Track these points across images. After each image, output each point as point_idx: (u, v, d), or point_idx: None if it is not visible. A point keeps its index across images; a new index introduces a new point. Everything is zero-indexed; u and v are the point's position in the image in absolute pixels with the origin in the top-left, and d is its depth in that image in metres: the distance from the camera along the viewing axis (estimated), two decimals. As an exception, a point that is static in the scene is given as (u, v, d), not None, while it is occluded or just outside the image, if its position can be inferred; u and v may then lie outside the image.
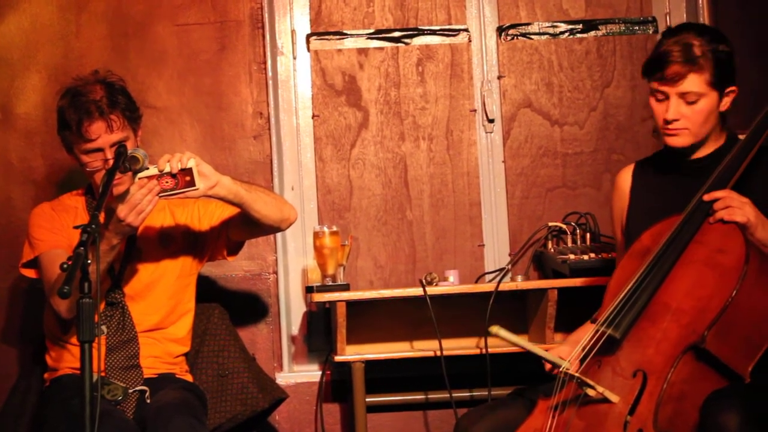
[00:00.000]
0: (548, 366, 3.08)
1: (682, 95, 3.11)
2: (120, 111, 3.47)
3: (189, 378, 3.73)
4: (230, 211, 3.65)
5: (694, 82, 3.10)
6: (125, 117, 3.49)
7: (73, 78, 3.60)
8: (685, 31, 3.15)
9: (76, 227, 3.17)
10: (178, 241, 3.71)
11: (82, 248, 2.86)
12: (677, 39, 3.12)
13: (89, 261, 2.86)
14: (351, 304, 3.94)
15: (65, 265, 2.82)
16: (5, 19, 4.31)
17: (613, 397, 2.87)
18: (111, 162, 3.45)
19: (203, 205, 3.73)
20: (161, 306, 3.67)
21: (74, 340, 3.50)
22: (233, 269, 4.30)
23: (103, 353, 3.50)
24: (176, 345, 3.71)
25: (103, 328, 3.55)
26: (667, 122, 3.16)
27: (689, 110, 3.13)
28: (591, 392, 2.88)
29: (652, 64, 3.16)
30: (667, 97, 3.14)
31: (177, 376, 3.69)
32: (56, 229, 3.61)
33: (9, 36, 4.31)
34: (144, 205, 3.29)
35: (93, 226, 2.94)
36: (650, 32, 4.50)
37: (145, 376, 3.58)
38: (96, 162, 3.51)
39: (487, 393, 3.92)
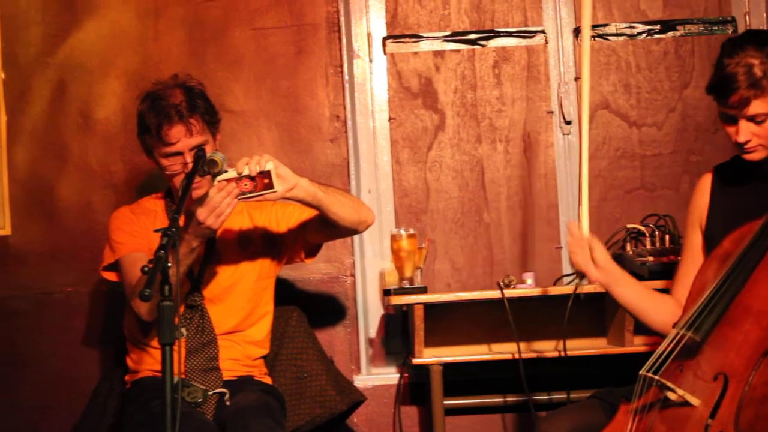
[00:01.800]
0: None
1: (750, 118, 3.22)
2: (199, 115, 3.63)
3: (268, 380, 3.92)
4: (308, 213, 3.83)
5: (759, 105, 3.20)
6: (204, 121, 3.65)
7: (152, 82, 3.83)
8: (746, 46, 3.22)
9: (156, 230, 3.39)
10: (256, 244, 3.90)
11: (162, 251, 3.03)
12: (738, 60, 3.20)
13: (169, 264, 3.03)
14: (429, 307, 4.10)
15: (146, 268, 2.99)
16: (84, 25, 4.57)
17: (694, 401, 2.97)
18: (190, 165, 3.64)
19: (281, 208, 3.92)
20: (240, 309, 3.85)
21: (154, 342, 3.72)
22: (311, 272, 4.52)
23: (183, 356, 3.68)
24: (255, 347, 3.90)
25: (183, 330, 3.65)
26: (739, 143, 3.28)
27: (760, 129, 3.24)
28: (672, 396, 3.00)
29: (715, 88, 3.27)
30: (735, 120, 3.26)
31: (256, 378, 3.87)
32: (136, 233, 3.81)
33: (88, 42, 4.58)
34: (223, 208, 3.47)
35: (173, 229, 3.12)
36: (729, 32, 4.64)
37: (225, 379, 3.77)
38: (175, 166, 3.68)
39: (565, 396, 4.02)
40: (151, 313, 3.61)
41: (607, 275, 3.39)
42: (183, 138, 3.60)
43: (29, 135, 4.54)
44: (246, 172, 3.47)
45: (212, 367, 3.76)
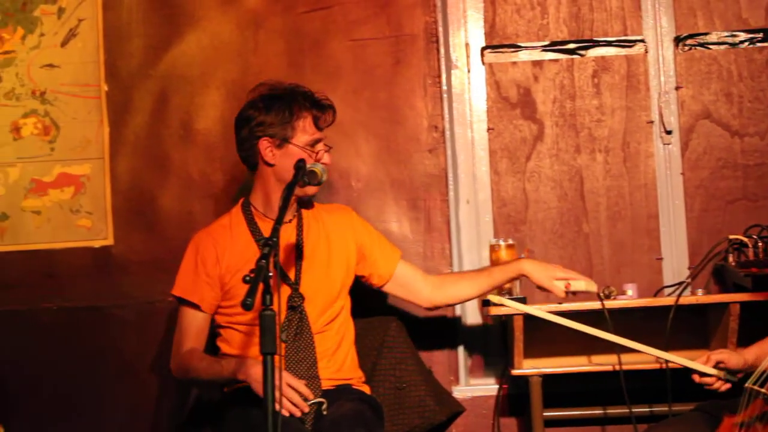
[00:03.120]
0: (697, 377, 3.38)
1: None
2: (334, 112, 4.05)
3: (366, 389, 4.08)
4: (379, 277, 4.12)
5: None
6: (333, 119, 4.06)
7: (261, 84, 4.02)
8: None
9: (257, 240, 3.64)
10: (333, 262, 4.10)
11: (263, 261, 3.22)
12: None
13: (270, 274, 3.21)
14: (528, 318, 4.24)
15: (247, 278, 3.18)
16: (185, 37, 4.82)
17: (800, 414, 3.10)
18: (325, 155, 3.92)
19: (354, 255, 4.11)
20: (333, 309, 4.05)
21: (250, 352, 3.91)
22: (410, 282, 4.71)
23: (283, 364, 3.86)
24: (349, 355, 4.09)
25: (283, 335, 3.90)
26: None
27: None
28: (778, 409, 3.12)
29: None
30: None
31: (354, 387, 4.04)
32: (201, 275, 3.92)
33: (189, 54, 4.82)
34: (286, 405, 3.64)
35: (274, 239, 3.33)
36: (833, 40, 4.74)
37: (323, 388, 3.93)
38: (321, 152, 3.93)
39: (667, 408, 4.12)
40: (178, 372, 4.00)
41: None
42: (325, 128, 3.96)
43: (131, 146, 4.80)
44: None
45: (312, 375, 3.92)
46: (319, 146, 3.92)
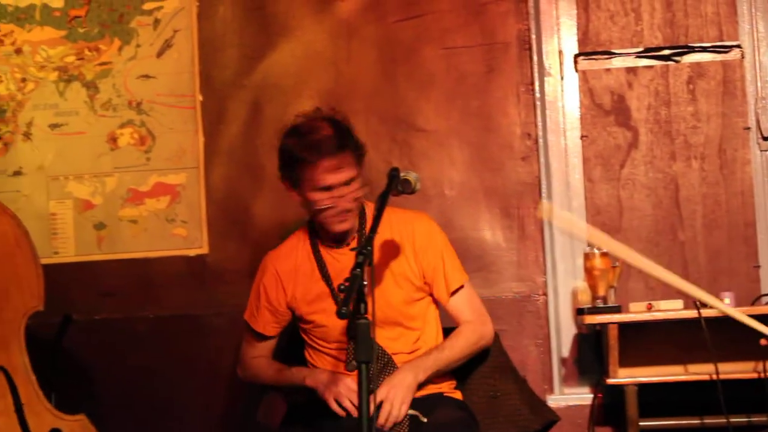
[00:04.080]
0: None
1: None
2: (350, 150, 3.78)
3: (458, 395, 4.15)
4: (437, 299, 4.09)
5: None
6: (354, 155, 3.80)
7: (295, 116, 3.88)
8: None
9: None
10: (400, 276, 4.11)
11: (358, 269, 3.33)
12: None
13: (365, 282, 3.33)
14: (623, 327, 4.33)
15: (342, 287, 3.32)
16: (279, 47, 5.00)
17: None
18: (340, 201, 3.79)
19: (419, 275, 4.08)
20: (407, 323, 4.08)
21: (336, 366, 4.00)
22: (503, 291, 4.85)
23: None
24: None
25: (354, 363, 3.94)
26: None
27: None
28: None
29: None
30: None
31: (445, 394, 4.11)
32: (262, 303, 4.04)
33: (283, 63, 5.00)
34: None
35: (368, 248, 3.44)
36: None
37: (415, 396, 3.94)
38: (325, 201, 3.78)
39: (766, 419, 4.21)
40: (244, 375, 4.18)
41: None
42: (334, 172, 3.75)
43: (226, 155, 4.99)
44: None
45: None
46: (340, 190, 3.84)
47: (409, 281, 4.04)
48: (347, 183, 3.80)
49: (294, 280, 4.07)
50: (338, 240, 4.01)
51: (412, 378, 3.86)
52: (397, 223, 4.07)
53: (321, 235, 4.06)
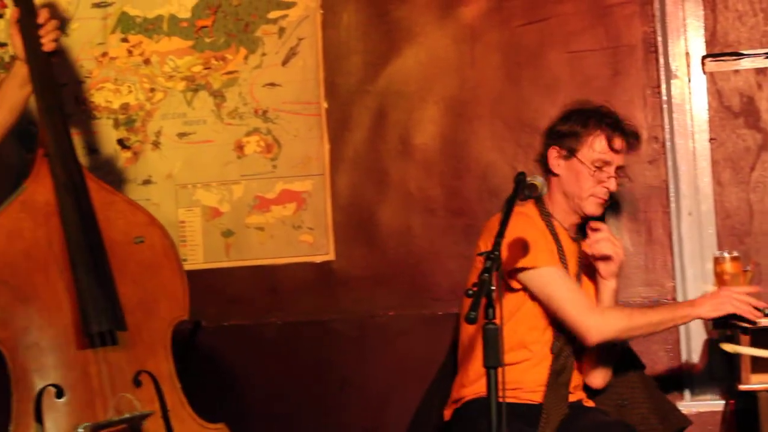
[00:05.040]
0: None
1: None
2: (634, 142, 4.25)
3: (591, 404, 4.29)
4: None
5: None
6: (632, 149, 4.26)
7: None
8: None
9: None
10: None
11: (486, 274, 3.43)
12: None
13: (493, 287, 3.43)
14: (755, 331, 4.31)
15: (470, 291, 3.41)
16: (403, 53, 5.14)
17: None
18: (609, 183, 4.13)
19: None
20: None
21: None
22: (632, 296, 4.90)
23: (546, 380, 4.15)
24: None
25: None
26: None
27: None
28: None
29: None
30: None
31: (584, 403, 4.27)
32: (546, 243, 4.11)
33: (406, 69, 5.14)
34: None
35: (496, 252, 3.55)
36: None
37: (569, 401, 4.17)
38: (595, 176, 4.11)
39: None
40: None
41: None
42: (617, 152, 4.14)
43: (351, 162, 5.15)
44: None
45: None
46: (608, 169, 4.11)
47: None
48: (619, 168, 4.14)
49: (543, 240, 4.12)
50: (579, 224, 4.22)
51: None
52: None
53: (557, 216, 4.27)
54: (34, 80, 4.16)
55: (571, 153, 4.10)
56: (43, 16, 4.22)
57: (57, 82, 4.25)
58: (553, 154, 4.15)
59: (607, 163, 4.09)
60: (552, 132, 4.17)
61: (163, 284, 4.17)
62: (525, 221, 4.15)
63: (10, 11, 4.23)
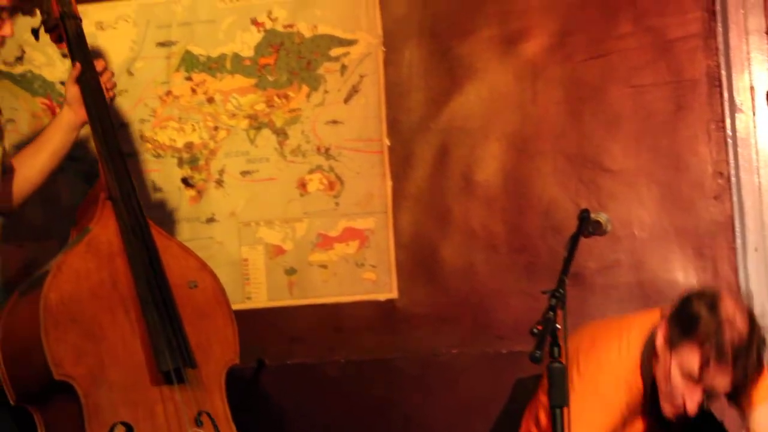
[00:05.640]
0: None
1: None
2: (743, 373, 3.71)
3: None
4: None
5: None
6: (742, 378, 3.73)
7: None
8: None
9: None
10: None
11: (551, 313, 3.47)
12: None
13: (557, 326, 3.45)
14: None
15: (535, 330, 3.42)
16: (465, 89, 5.21)
17: None
18: (690, 400, 3.73)
19: None
20: None
21: None
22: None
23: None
24: None
25: None
26: None
27: None
28: None
29: None
30: None
31: None
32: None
33: (468, 106, 5.21)
34: None
35: (560, 291, 3.58)
36: None
37: None
38: (679, 388, 3.75)
39: None
40: None
41: None
42: (712, 380, 3.71)
43: (413, 199, 5.21)
44: None
45: None
46: (697, 392, 3.79)
47: None
48: (710, 394, 3.78)
49: None
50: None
51: None
52: None
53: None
54: (94, 127, 4.33)
55: (672, 346, 3.85)
56: (100, 65, 4.40)
57: (115, 126, 4.43)
58: (668, 338, 3.91)
59: (695, 380, 3.83)
60: (686, 312, 3.89)
61: (216, 328, 4.27)
62: None
63: (72, 68, 4.40)
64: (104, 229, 4.22)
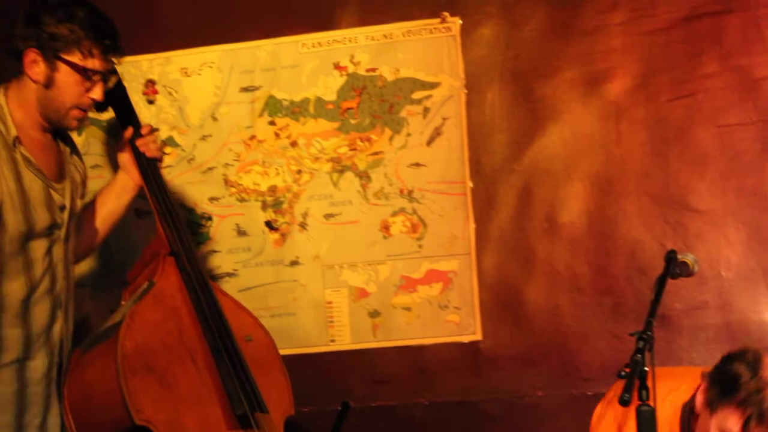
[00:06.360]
0: None
1: None
2: None
3: None
4: None
5: None
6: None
7: None
8: None
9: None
10: None
11: (639, 355, 3.52)
12: None
13: (646, 368, 3.51)
14: None
15: (623, 373, 3.49)
16: (547, 131, 5.28)
17: None
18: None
19: None
20: None
21: None
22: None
23: None
24: None
25: None
26: None
27: None
28: None
29: None
30: None
31: None
32: None
33: (551, 147, 5.28)
34: None
35: (648, 333, 3.63)
36: None
37: None
38: None
39: None
40: None
41: None
42: None
43: (496, 241, 5.28)
44: None
45: None
46: None
47: None
48: None
49: None
50: None
51: None
52: None
53: None
54: (150, 187, 4.56)
55: (714, 406, 3.87)
56: (146, 128, 4.63)
57: (166, 183, 4.66)
58: (710, 397, 3.91)
59: None
60: (724, 375, 3.89)
61: (272, 381, 4.42)
62: None
63: (125, 132, 4.61)
64: (167, 283, 4.40)
